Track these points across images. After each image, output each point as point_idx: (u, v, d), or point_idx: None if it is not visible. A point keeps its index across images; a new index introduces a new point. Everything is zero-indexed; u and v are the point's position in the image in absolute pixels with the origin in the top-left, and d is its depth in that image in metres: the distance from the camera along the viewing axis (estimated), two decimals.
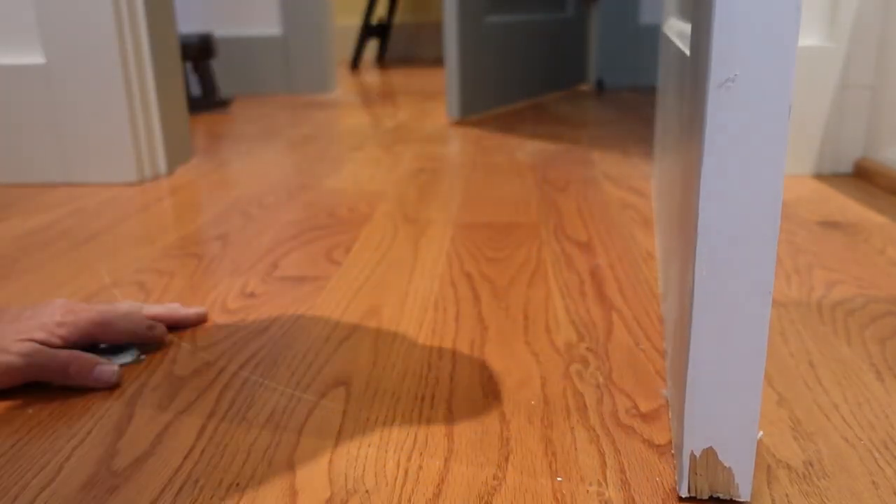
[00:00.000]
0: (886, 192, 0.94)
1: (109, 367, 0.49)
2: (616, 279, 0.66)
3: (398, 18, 3.60)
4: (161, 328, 0.55)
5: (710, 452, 0.35)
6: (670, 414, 0.43)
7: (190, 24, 2.13)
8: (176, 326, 0.58)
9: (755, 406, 0.34)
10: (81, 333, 0.51)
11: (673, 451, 0.40)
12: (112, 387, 0.49)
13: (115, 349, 0.54)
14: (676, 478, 0.37)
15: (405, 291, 0.65)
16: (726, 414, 0.34)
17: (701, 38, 0.34)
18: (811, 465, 0.39)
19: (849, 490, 0.37)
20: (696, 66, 0.35)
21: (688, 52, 0.42)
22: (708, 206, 0.31)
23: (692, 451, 0.35)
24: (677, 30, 0.57)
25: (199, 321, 0.59)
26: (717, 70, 0.29)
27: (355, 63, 3.16)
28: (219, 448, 0.42)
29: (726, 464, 0.35)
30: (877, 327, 0.55)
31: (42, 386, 0.49)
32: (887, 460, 0.39)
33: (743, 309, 0.32)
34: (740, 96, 0.30)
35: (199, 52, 1.82)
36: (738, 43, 0.29)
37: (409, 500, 0.37)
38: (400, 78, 2.70)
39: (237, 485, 0.39)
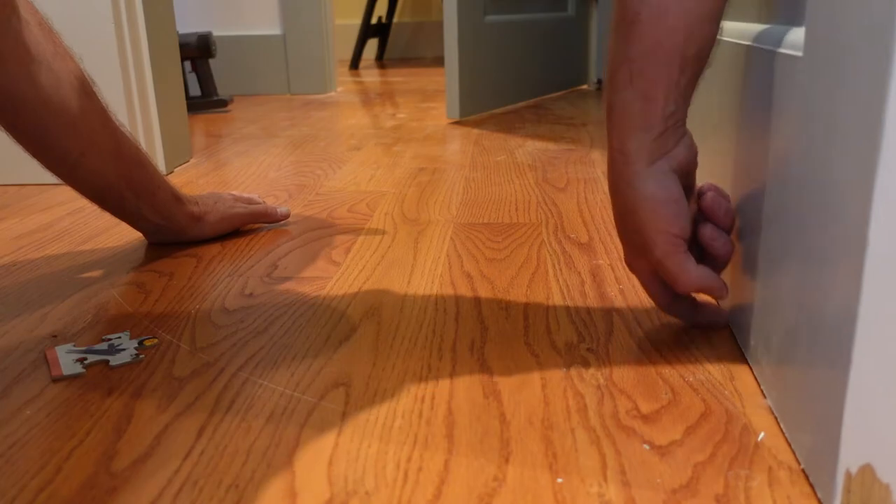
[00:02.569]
0: None
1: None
2: (616, 279, 0.66)
3: (398, 18, 3.60)
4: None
5: (867, 469, 0.33)
6: (785, 427, 0.41)
7: (189, 23, 2.13)
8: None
9: None
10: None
11: (803, 467, 0.38)
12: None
13: (112, 349, 0.54)
14: (821, 496, 0.36)
15: (405, 291, 0.65)
16: (886, 429, 0.33)
17: (838, 39, 0.34)
18: None
19: None
20: (830, 67, 0.35)
21: (797, 53, 0.41)
22: (883, 213, 0.31)
23: (847, 469, 0.33)
24: (739, 30, 0.55)
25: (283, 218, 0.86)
26: None
27: (355, 63, 3.15)
28: (218, 449, 0.42)
29: (884, 480, 0.33)
30: None
31: (42, 384, 0.49)
32: None
33: None
34: None
35: (197, 51, 1.81)
36: None
37: (409, 502, 0.37)
38: (399, 77, 2.70)
39: (236, 486, 0.38)
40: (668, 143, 0.48)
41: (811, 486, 0.37)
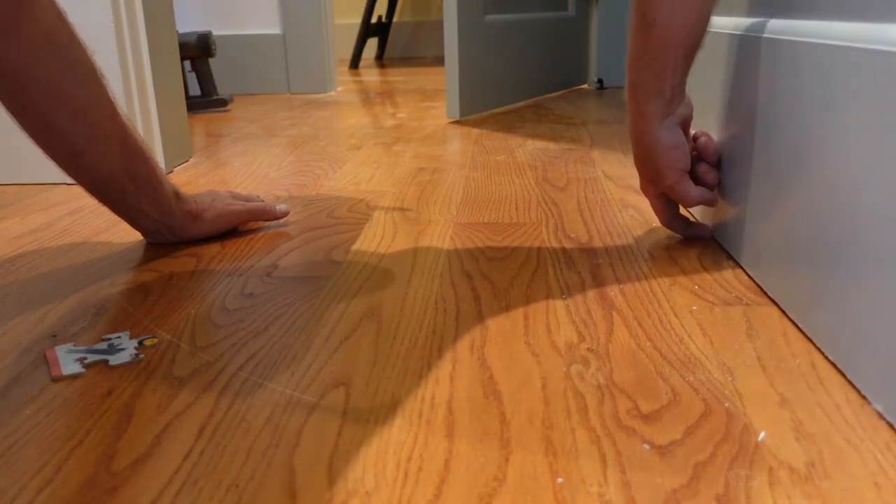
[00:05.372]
0: None
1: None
2: (616, 279, 0.66)
3: (398, 17, 3.59)
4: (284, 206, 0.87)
5: None
6: None
7: (189, 23, 2.13)
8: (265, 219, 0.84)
9: None
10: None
11: None
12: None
13: (112, 349, 0.54)
14: None
15: (405, 291, 0.65)
16: None
17: None
18: (813, 466, 0.39)
19: (851, 491, 0.37)
20: None
21: None
22: None
23: None
24: (848, 32, 0.52)
25: (283, 216, 0.86)
26: None
27: (355, 62, 3.15)
28: (218, 449, 0.42)
29: None
30: None
31: (41, 384, 0.49)
32: (890, 462, 0.39)
33: None
34: None
35: (197, 50, 1.81)
36: None
37: (409, 501, 0.37)
38: (399, 77, 2.70)
39: (236, 486, 0.38)
40: (673, 105, 0.67)
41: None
